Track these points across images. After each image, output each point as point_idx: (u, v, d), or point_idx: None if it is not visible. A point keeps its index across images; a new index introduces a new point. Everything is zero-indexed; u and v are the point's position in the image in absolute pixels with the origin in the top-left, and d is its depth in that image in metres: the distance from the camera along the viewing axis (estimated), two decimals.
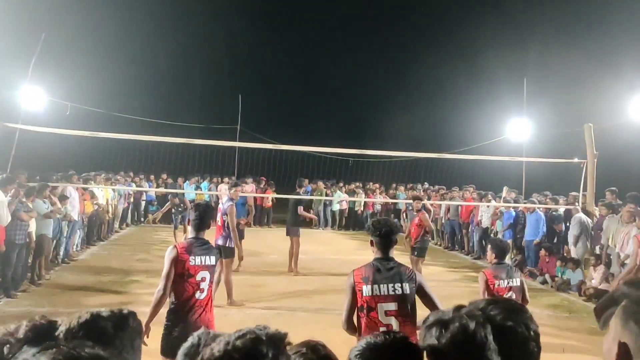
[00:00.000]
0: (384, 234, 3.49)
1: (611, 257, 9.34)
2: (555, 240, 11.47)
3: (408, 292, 3.37)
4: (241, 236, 9.85)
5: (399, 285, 3.37)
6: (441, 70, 21.31)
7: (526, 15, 20.94)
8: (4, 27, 11.86)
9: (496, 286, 4.59)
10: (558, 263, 10.44)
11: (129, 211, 16.74)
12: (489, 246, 5.08)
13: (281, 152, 15.05)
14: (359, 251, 14.04)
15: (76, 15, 18.44)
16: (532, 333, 1.50)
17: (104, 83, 18.02)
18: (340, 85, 23.95)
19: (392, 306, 3.35)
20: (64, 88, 13.53)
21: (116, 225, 15.23)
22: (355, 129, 21.93)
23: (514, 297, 4.42)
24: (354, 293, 3.42)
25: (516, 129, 14.99)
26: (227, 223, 7.88)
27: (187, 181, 17.54)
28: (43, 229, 8.73)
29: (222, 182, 18.06)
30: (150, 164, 17.19)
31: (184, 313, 3.97)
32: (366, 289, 3.36)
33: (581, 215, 10.42)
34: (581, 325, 7.31)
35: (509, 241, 12.14)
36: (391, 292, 3.36)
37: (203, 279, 4.01)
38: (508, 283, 4.62)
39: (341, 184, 19.27)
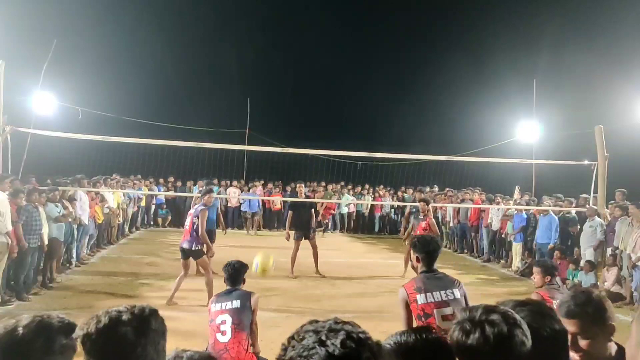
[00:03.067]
0: (432, 251, 3.74)
1: (623, 259, 9.26)
2: (569, 243, 11.35)
3: (459, 297, 3.58)
4: (212, 239, 10.12)
5: (451, 291, 3.59)
6: (450, 72, 21.22)
7: (536, 17, 20.83)
8: (16, 33, 12.01)
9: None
10: (570, 266, 10.36)
11: (139, 215, 16.84)
12: (538, 267, 4.76)
13: (290, 155, 15.07)
14: (367, 254, 14.02)
15: (87, 22, 18.62)
16: (558, 337, 1.49)
17: (115, 88, 18.15)
18: (349, 88, 23.95)
19: (448, 310, 3.51)
20: (74, 93, 13.66)
21: (126, 228, 15.32)
22: (364, 131, 21.89)
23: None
24: (407, 305, 3.62)
25: (526, 131, 14.92)
26: (197, 226, 7.91)
27: (196, 185, 17.62)
28: (54, 233, 8.81)
29: (231, 185, 18.14)
30: (160, 168, 17.28)
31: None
32: (420, 298, 3.56)
33: (601, 219, 10.34)
34: None
35: (520, 244, 12.08)
36: (444, 298, 3.55)
37: (223, 322, 4.26)
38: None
39: (350, 187, 19.26)
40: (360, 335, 1.15)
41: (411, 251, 3.83)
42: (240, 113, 19.87)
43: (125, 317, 1.51)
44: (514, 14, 21.24)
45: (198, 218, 7.92)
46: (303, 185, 11.84)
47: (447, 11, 22.85)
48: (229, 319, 4.27)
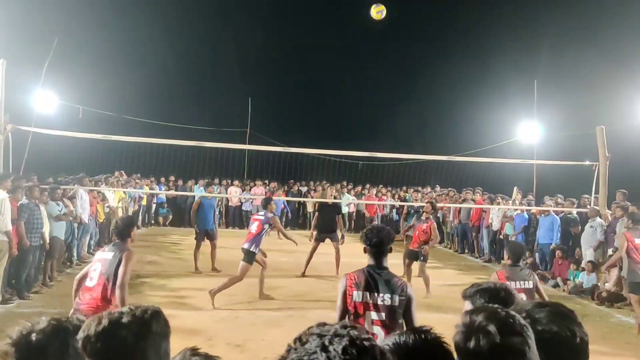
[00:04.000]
0: (374, 244, 3.45)
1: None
2: (570, 243, 11.35)
3: (397, 303, 3.32)
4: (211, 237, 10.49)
5: (389, 296, 3.32)
6: (451, 73, 21.22)
7: (537, 18, 20.84)
8: (18, 32, 12.02)
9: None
10: (572, 266, 10.35)
11: (140, 213, 16.84)
12: (506, 249, 5.22)
13: (291, 155, 15.08)
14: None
15: (88, 21, 18.62)
16: (578, 339, 1.47)
17: (115, 87, 18.12)
18: (350, 88, 23.93)
19: (379, 315, 3.30)
20: (75, 92, 13.66)
21: None
22: (366, 131, 21.88)
23: (524, 298, 4.47)
24: (344, 297, 3.39)
25: (527, 131, 14.91)
26: (264, 233, 8.17)
27: (197, 184, 17.64)
28: (55, 231, 8.81)
29: (231, 184, 18.14)
30: (161, 167, 17.29)
31: None
32: (357, 295, 3.34)
33: (602, 220, 10.33)
34: (594, 329, 7.23)
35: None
36: (380, 302, 3.31)
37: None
38: (519, 285, 4.76)
39: (350, 187, 19.24)
40: (365, 342, 1.13)
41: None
42: (241, 112, 19.88)
43: (125, 319, 1.49)
44: (515, 14, 21.23)
45: (269, 225, 8.21)
46: (334, 188, 11.93)
47: (449, 12, 22.84)
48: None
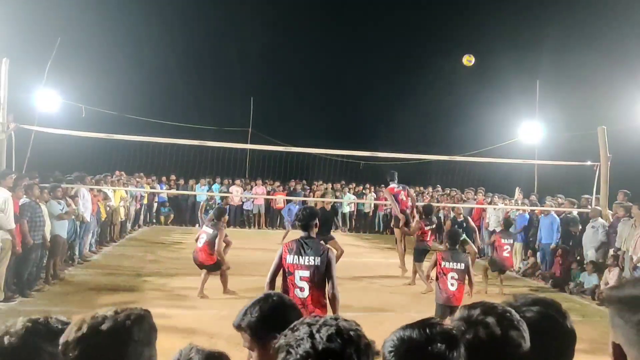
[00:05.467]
0: (301, 220, 4.47)
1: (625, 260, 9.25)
2: (570, 243, 11.35)
3: (319, 264, 4.26)
4: None
5: (313, 258, 4.26)
6: (453, 72, 21.20)
7: (539, 18, 20.81)
8: (21, 31, 12.06)
9: (442, 266, 5.94)
10: (573, 265, 10.35)
11: (142, 212, 16.88)
12: (445, 235, 6.81)
13: (292, 154, 15.09)
14: (369, 253, 14.01)
15: (90, 20, 18.65)
16: (566, 336, 1.50)
17: (118, 85, 18.18)
18: (352, 88, 23.92)
19: (305, 273, 4.25)
20: (78, 91, 13.70)
21: (128, 226, 15.35)
22: (367, 131, 21.89)
23: (456, 277, 5.79)
24: (280, 259, 4.35)
25: (528, 132, 14.90)
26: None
27: (198, 183, 17.66)
28: (57, 230, 8.84)
29: (233, 183, 18.17)
30: (163, 166, 17.32)
31: None
32: (289, 258, 4.30)
33: (604, 220, 10.32)
34: (594, 329, 7.24)
35: (521, 244, 12.07)
36: (306, 263, 4.26)
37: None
38: (453, 265, 5.93)
39: (351, 186, 19.25)
40: (351, 332, 1.18)
41: None
42: (243, 112, 19.91)
43: (105, 326, 1.43)
44: (517, 15, 21.22)
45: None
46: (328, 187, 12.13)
47: (450, 12, 22.83)
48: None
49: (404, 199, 10.30)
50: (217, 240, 8.02)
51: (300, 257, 4.27)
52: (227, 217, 9.00)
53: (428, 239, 9.73)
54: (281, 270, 4.34)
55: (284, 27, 23.42)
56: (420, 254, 9.59)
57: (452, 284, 5.88)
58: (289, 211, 15.22)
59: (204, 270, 8.18)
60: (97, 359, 1.41)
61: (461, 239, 8.72)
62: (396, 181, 10.49)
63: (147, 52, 19.91)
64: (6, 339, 1.51)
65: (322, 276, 4.25)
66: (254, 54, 23.32)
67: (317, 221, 4.44)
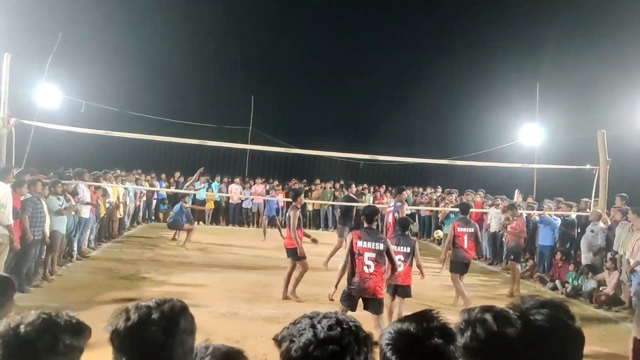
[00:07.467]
0: (367, 215, 6.07)
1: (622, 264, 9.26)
2: (568, 246, 11.36)
3: (382, 248, 5.86)
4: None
5: (377, 243, 5.86)
6: (453, 75, 21.22)
7: (539, 21, 20.81)
8: (22, 26, 12.04)
9: (358, 246, 6.14)
10: (571, 267, 10.35)
11: (141, 209, 16.85)
12: (397, 222, 7.98)
13: (292, 154, 15.10)
14: None
15: (92, 16, 18.62)
16: (573, 337, 1.51)
17: (118, 82, 18.15)
18: (352, 88, 23.91)
19: (372, 255, 5.80)
20: (79, 86, 13.70)
21: (127, 223, 15.34)
22: (367, 132, 21.89)
23: (373, 256, 6.00)
24: (352, 245, 5.84)
25: (528, 135, 14.92)
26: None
27: (197, 181, 17.63)
28: (56, 226, 8.83)
29: (232, 182, 18.15)
30: (163, 163, 17.32)
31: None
32: (360, 243, 5.84)
33: (603, 224, 10.32)
34: (592, 332, 7.26)
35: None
36: (372, 247, 5.82)
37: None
38: (401, 249, 6.73)
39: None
40: (350, 323, 1.26)
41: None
42: (244, 110, 19.91)
43: (155, 315, 1.49)
44: (517, 17, 21.23)
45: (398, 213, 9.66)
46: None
47: (452, 14, 22.85)
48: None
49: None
50: (291, 221, 8.37)
51: (367, 242, 5.80)
52: (302, 197, 9.18)
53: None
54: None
55: (286, 26, 23.43)
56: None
57: (399, 265, 6.53)
58: (268, 206, 15.40)
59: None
60: (148, 347, 1.46)
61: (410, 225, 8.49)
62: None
63: (149, 49, 19.88)
64: (22, 329, 1.57)
65: (383, 257, 5.82)
66: (255, 52, 23.34)
67: (378, 216, 6.17)
